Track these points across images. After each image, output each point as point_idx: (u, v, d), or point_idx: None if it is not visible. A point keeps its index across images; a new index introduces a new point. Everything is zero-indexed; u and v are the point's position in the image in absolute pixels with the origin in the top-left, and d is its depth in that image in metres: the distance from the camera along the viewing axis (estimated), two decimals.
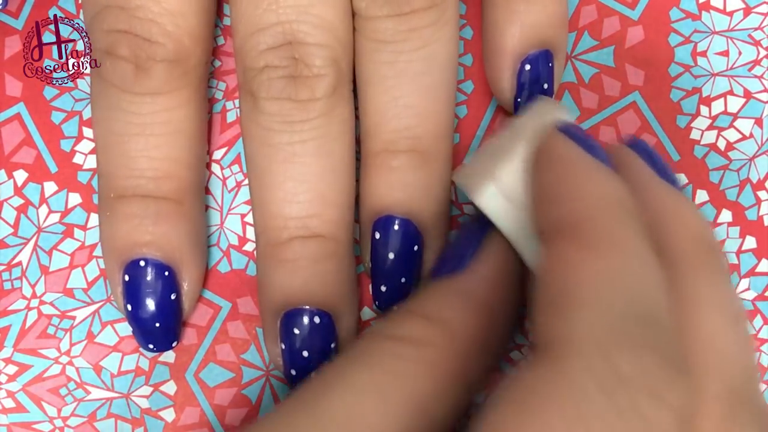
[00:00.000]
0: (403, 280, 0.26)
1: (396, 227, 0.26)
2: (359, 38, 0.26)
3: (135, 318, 0.26)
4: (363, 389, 0.20)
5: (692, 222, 0.21)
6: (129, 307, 0.26)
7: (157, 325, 0.26)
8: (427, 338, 0.21)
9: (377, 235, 0.26)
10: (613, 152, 0.23)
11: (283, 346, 0.25)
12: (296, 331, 0.25)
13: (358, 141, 0.27)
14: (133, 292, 0.25)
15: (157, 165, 0.25)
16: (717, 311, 0.20)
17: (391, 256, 0.26)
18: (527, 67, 0.26)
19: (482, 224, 0.24)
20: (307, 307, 0.25)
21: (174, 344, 0.26)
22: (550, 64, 0.26)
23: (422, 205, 0.26)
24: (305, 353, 0.25)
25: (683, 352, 0.18)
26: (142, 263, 0.25)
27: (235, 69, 0.26)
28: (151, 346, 0.26)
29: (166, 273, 0.25)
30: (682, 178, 0.28)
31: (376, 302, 0.26)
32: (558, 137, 0.21)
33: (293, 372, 0.25)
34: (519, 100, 0.26)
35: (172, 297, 0.26)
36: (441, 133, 0.26)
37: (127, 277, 0.25)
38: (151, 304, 0.25)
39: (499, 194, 0.23)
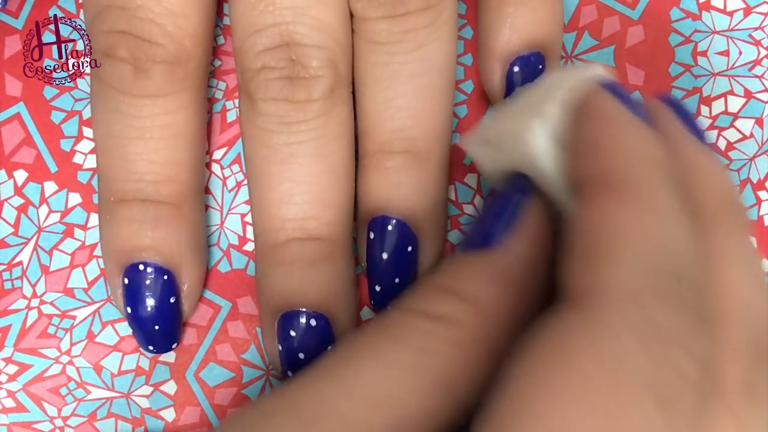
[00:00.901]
0: (397, 280, 0.26)
1: (390, 228, 0.26)
2: (356, 40, 0.26)
3: (135, 320, 0.26)
4: (392, 364, 0.20)
5: (719, 179, 0.22)
6: (129, 310, 0.26)
7: (157, 327, 0.26)
8: (459, 317, 0.21)
9: (371, 235, 0.26)
10: (647, 106, 0.23)
11: (280, 348, 0.25)
12: (293, 333, 0.25)
13: (357, 142, 0.27)
14: (132, 295, 0.25)
15: (157, 169, 0.25)
16: (741, 264, 0.20)
17: (385, 256, 0.26)
18: (516, 68, 0.26)
19: (515, 194, 0.23)
20: (304, 309, 0.25)
21: (174, 346, 0.27)
22: (541, 66, 0.26)
23: (416, 205, 0.26)
24: (301, 355, 0.25)
25: (710, 306, 0.19)
26: (141, 267, 0.25)
27: (235, 70, 0.26)
28: (151, 348, 0.26)
29: (165, 277, 0.25)
30: None
31: (372, 302, 0.27)
32: (602, 91, 0.21)
33: (290, 373, 0.25)
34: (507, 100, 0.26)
35: (172, 300, 0.26)
36: (437, 133, 0.26)
37: (126, 281, 0.25)
38: (150, 307, 0.26)
39: (550, 134, 0.22)
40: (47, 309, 0.27)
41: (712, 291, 0.20)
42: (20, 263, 0.28)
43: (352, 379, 0.20)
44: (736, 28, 0.29)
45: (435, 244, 0.27)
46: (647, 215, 0.19)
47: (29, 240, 0.28)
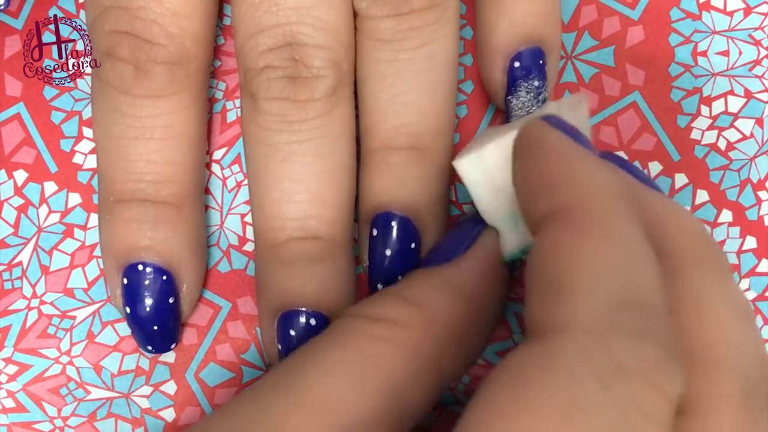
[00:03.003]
0: (399, 278, 0.26)
1: (394, 224, 0.26)
2: (360, 38, 0.26)
3: (134, 321, 0.26)
4: (336, 370, 0.20)
5: (690, 222, 0.21)
6: (127, 310, 0.26)
7: (156, 328, 0.26)
8: (403, 319, 0.21)
9: (375, 232, 0.26)
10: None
11: (280, 347, 0.25)
12: (292, 333, 0.25)
13: (358, 142, 0.27)
14: (131, 296, 0.25)
15: (157, 169, 0.25)
16: (725, 306, 0.19)
17: (389, 253, 0.26)
18: (516, 63, 0.26)
19: (478, 221, 0.24)
20: (303, 308, 0.25)
21: (173, 346, 0.27)
22: (541, 62, 0.26)
23: (420, 202, 0.26)
24: None
25: (679, 340, 0.18)
26: (140, 267, 0.25)
27: (237, 69, 0.26)
28: (149, 348, 0.26)
29: (164, 277, 0.25)
30: (682, 178, 0.28)
31: None
32: (544, 125, 0.21)
33: None
34: (510, 97, 0.26)
35: (171, 301, 0.26)
36: (440, 130, 0.26)
37: (125, 281, 0.25)
38: (149, 308, 0.25)
39: (479, 163, 0.23)
40: (47, 309, 0.27)
41: (694, 332, 0.19)
42: (20, 263, 0.28)
43: (298, 387, 0.20)
44: (736, 28, 0.29)
45: (437, 241, 0.27)
46: (605, 244, 0.18)
47: (29, 240, 0.28)
